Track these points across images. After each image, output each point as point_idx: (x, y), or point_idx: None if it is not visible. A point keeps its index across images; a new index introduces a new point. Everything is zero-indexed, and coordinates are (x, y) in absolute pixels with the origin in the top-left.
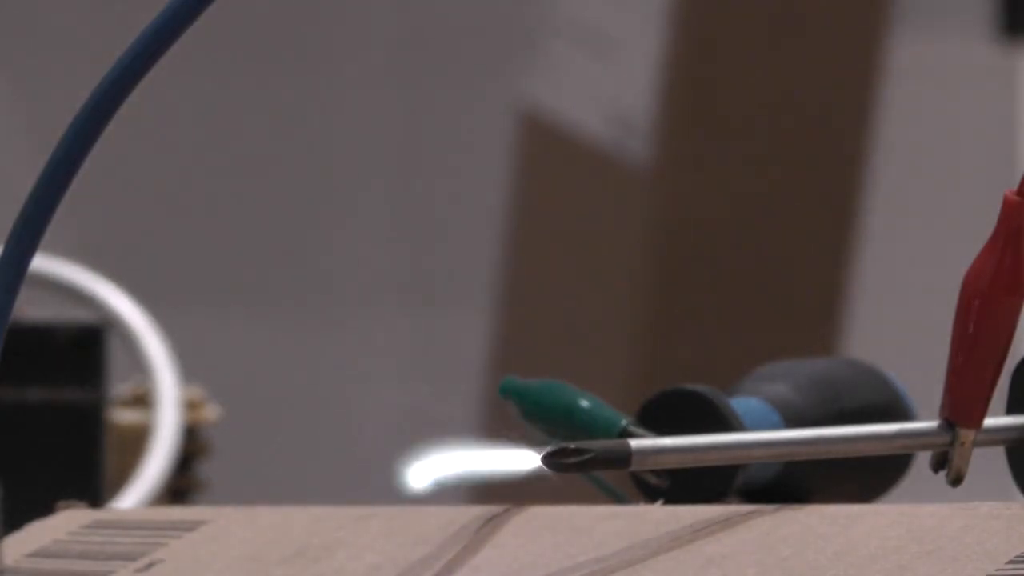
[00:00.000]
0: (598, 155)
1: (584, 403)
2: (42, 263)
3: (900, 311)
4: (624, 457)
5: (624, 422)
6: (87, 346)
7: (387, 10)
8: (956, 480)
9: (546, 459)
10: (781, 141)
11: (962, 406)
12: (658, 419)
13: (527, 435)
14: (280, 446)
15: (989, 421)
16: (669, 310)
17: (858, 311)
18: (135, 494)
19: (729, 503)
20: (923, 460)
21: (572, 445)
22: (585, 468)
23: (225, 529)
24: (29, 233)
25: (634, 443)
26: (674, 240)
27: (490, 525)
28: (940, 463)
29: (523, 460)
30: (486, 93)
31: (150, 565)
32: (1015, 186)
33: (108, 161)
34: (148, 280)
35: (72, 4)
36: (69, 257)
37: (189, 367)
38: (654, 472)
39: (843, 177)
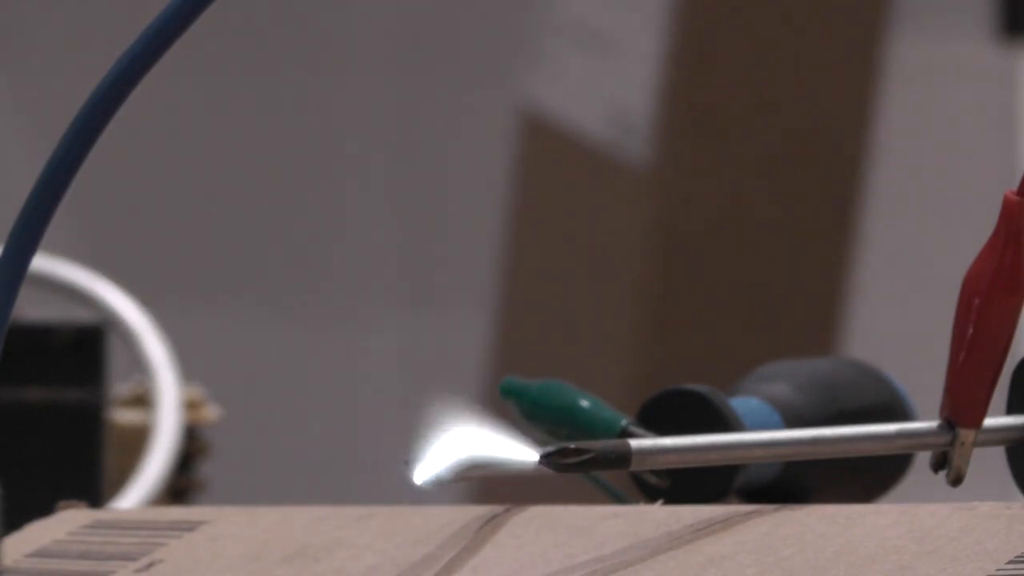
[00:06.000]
0: (598, 155)
1: (584, 403)
2: (42, 263)
3: (900, 311)
4: (624, 457)
5: (624, 422)
6: (87, 346)
7: (387, 10)
8: (956, 480)
9: (546, 459)
10: (780, 141)
11: (962, 406)
12: (658, 419)
13: (527, 435)
14: (280, 446)
15: (989, 421)
16: (669, 310)
17: (858, 311)
18: (135, 494)
19: (729, 503)
20: (923, 460)
21: (572, 445)
22: (585, 468)
23: (225, 529)
24: (29, 233)
25: (634, 443)
26: (674, 239)
27: (490, 525)
28: (940, 463)
29: (525, 452)
30: (486, 93)
31: (150, 565)
32: (1015, 186)
33: (108, 161)
34: (148, 280)
35: (72, 4)
36: (69, 257)
37: (189, 367)
38: (654, 472)
39: (843, 177)
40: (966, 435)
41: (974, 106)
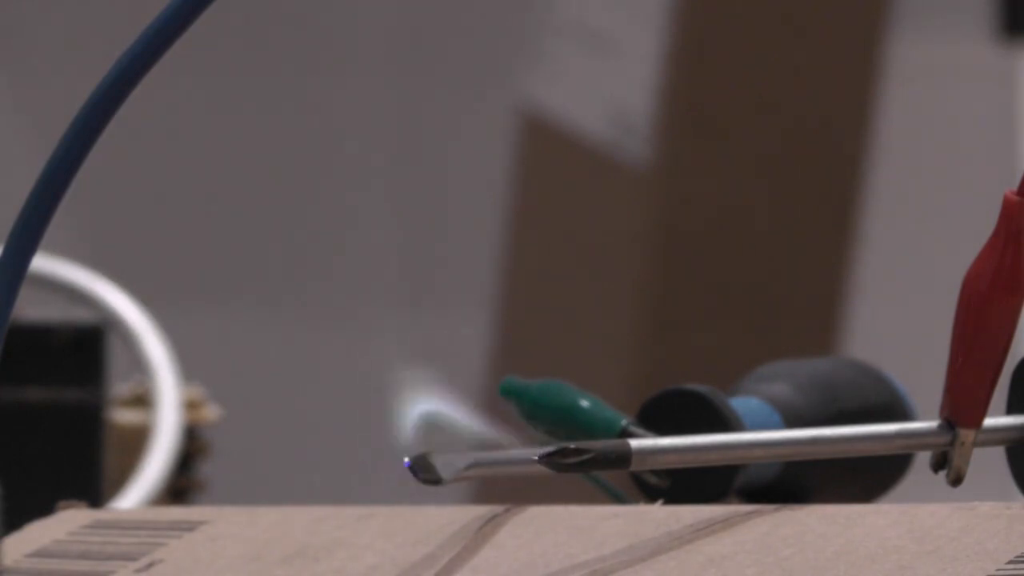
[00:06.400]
0: (598, 155)
1: (584, 403)
2: (42, 263)
3: (900, 311)
4: (624, 457)
5: (624, 422)
6: (87, 346)
7: (387, 10)
8: (956, 480)
9: (546, 459)
10: (781, 141)
11: (962, 406)
12: (658, 419)
13: (527, 435)
14: (280, 446)
15: (989, 421)
16: (669, 310)
17: (858, 311)
18: (135, 494)
19: (729, 503)
20: (923, 460)
21: (572, 445)
22: (585, 468)
23: (225, 529)
24: (29, 233)
25: (634, 443)
26: (674, 240)
27: (490, 525)
28: (940, 463)
29: (525, 452)
30: (486, 93)
31: (150, 565)
32: (1015, 186)
33: (108, 161)
34: (148, 280)
35: (72, 4)
36: (69, 257)
37: (189, 367)
38: (654, 472)
39: (843, 177)
40: (966, 435)
41: (974, 106)
